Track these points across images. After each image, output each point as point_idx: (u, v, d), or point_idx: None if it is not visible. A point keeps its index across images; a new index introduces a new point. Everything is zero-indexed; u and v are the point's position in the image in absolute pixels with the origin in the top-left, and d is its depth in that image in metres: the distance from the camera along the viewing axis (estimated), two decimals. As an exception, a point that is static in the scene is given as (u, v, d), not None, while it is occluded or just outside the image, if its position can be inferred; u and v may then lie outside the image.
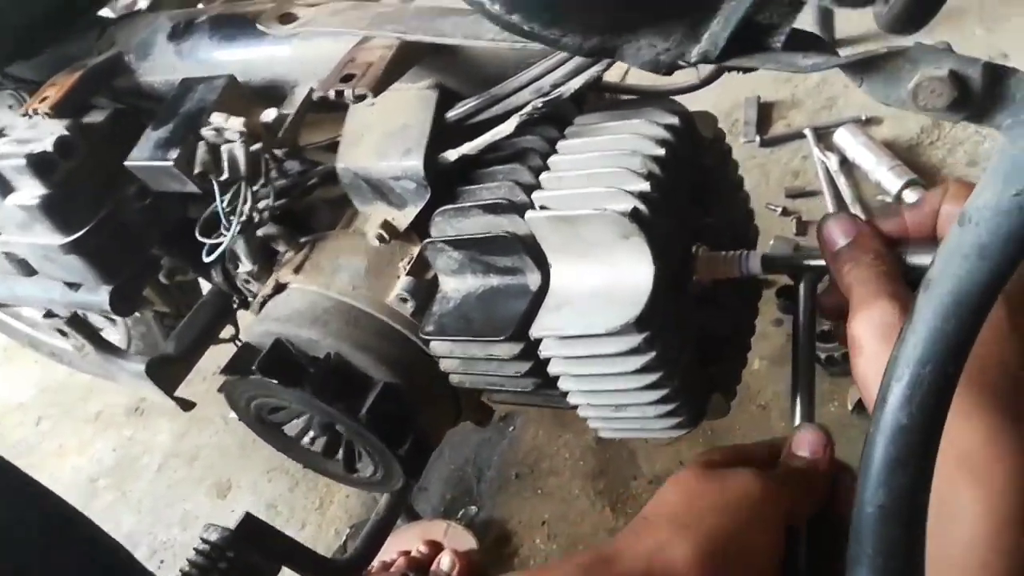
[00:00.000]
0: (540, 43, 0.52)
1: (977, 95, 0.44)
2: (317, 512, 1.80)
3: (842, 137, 1.94)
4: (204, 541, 0.96)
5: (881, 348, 0.56)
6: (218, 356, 1.48)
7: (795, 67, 0.48)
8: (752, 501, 0.61)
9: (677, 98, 0.89)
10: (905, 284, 0.61)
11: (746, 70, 0.75)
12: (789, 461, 0.66)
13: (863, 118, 2.00)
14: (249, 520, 0.98)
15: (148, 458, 2.08)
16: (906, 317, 0.48)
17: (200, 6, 1.14)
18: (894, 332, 0.54)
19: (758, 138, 2.09)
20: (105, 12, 1.19)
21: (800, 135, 2.05)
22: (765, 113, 2.16)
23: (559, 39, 0.51)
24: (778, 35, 0.49)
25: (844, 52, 0.49)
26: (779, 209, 1.92)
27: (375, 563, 1.36)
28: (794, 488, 0.64)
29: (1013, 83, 0.43)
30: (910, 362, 0.46)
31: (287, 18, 0.88)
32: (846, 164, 1.93)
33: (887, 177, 1.81)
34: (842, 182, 1.89)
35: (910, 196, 1.75)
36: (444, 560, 1.43)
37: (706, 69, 0.91)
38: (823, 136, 2.02)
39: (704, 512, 0.61)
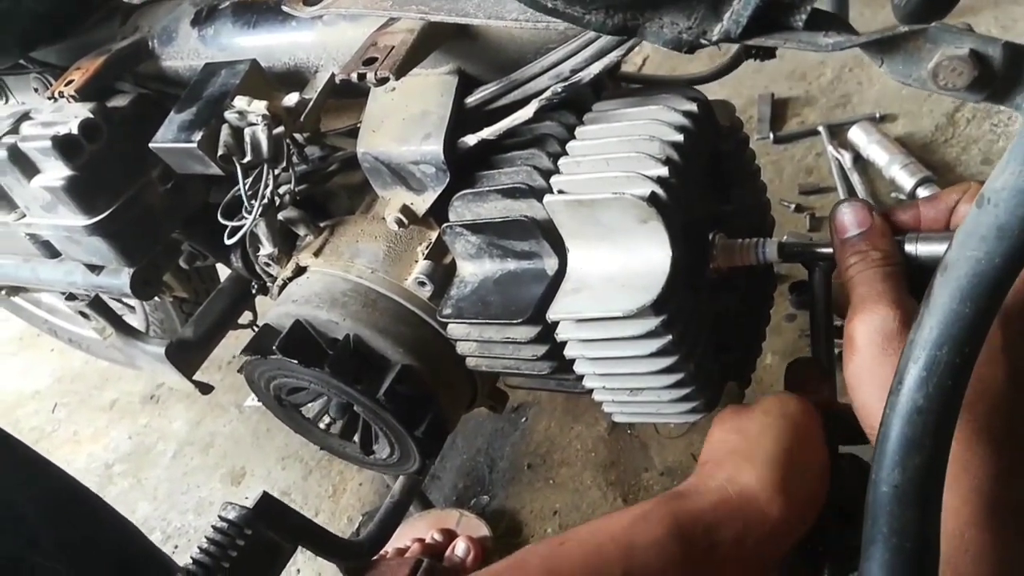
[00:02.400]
0: (563, 20, 0.52)
1: (998, 74, 0.44)
2: (330, 500, 1.81)
3: (856, 134, 1.94)
4: (222, 519, 0.97)
5: (876, 354, 0.57)
6: (233, 346, 1.50)
7: (816, 46, 0.48)
8: (795, 413, 0.66)
9: (694, 88, 0.90)
10: (909, 294, 0.61)
11: (765, 53, 0.76)
12: (843, 251, 0.65)
13: (877, 115, 2.00)
14: (266, 499, 0.99)
15: (163, 445, 2.10)
16: (908, 327, 0.49)
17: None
18: (892, 341, 0.56)
19: (772, 135, 2.09)
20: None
21: (814, 132, 2.05)
22: (779, 110, 2.17)
23: (582, 16, 0.52)
24: (799, 14, 0.49)
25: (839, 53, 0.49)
26: (793, 205, 1.92)
27: (389, 550, 1.37)
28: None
29: None
30: (927, 344, 0.46)
31: (311, 0, 0.89)
32: (860, 161, 1.93)
33: (901, 174, 1.81)
34: (856, 179, 1.90)
35: (924, 193, 1.75)
36: (459, 547, 1.44)
37: (724, 58, 0.91)
38: (837, 133, 2.02)
39: (757, 439, 0.65)
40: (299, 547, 1.01)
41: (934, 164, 1.87)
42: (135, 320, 1.75)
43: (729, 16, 0.50)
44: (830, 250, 0.72)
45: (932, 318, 0.46)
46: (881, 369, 0.56)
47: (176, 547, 1.85)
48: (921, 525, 0.48)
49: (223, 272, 1.41)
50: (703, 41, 0.51)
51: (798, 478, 0.63)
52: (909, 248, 0.64)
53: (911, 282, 0.62)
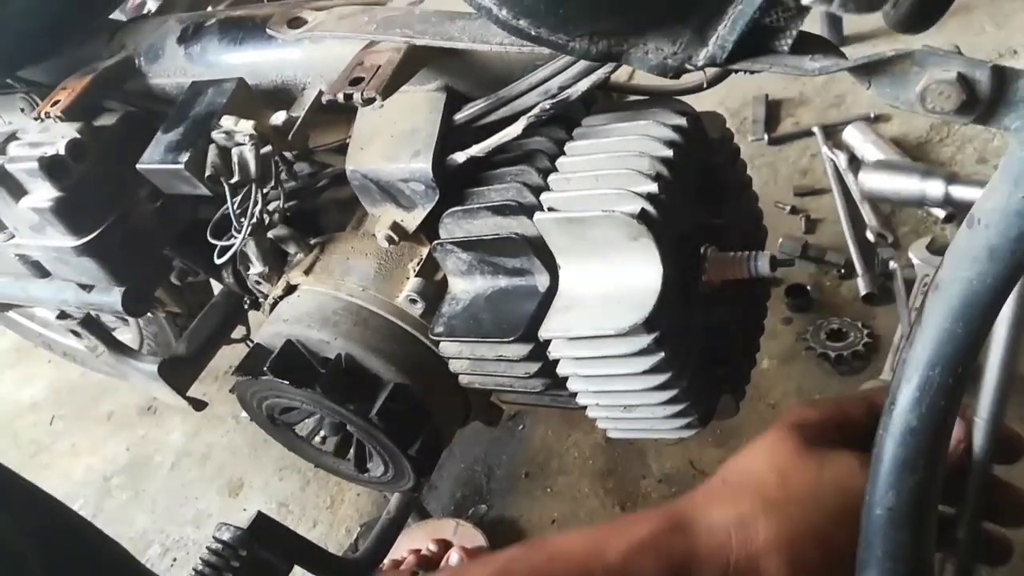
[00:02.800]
0: (548, 47, 0.52)
1: (985, 97, 0.44)
2: (328, 511, 1.81)
3: (851, 135, 1.93)
4: (217, 540, 0.97)
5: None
6: (230, 356, 1.49)
7: (802, 70, 0.48)
8: (850, 495, 0.54)
9: (685, 97, 0.89)
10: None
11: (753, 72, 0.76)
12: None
13: (872, 116, 1.99)
14: (261, 519, 0.98)
15: (161, 457, 2.09)
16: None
17: (209, 9, 1.15)
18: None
19: (766, 136, 2.08)
20: (115, 15, 1.20)
21: (809, 133, 2.05)
22: (773, 111, 2.16)
23: (566, 44, 0.51)
24: (785, 38, 0.49)
25: (852, 55, 0.49)
26: (788, 207, 1.91)
27: (385, 562, 1.37)
28: None
29: (1022, 85, 0.43)
30: (919, 365, 0.46)
31: (296, 22, 0.89)
32: (855, 162, 1.92)
33: (896, 174, 1.80)
34: (851, 180, 1.89)
35: (920, 193, 1.75)
36: (453, 558, 1.43)
37: (713, 69, 0.91)
38: (832, 134, 2.01)
39: (797, 496, 0.55)
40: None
41: (929, 163, 1.87)
42: (128, 334, 1.74)
43: (715, 41, 0.49)
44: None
45: (924, 338, 0.46)
46: None
47: (175, 560, 1.85)
48: (915, 548, 0.48)
49: (216, 285, 1.41)
50: (688, 66, 0.51)
51: (820, 564, 0.54)
52: None
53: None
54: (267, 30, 0.88)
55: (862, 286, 1.65)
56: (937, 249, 1.59)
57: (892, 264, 1.65)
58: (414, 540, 1.52)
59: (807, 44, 0.48)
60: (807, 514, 0.54)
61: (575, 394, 0.83)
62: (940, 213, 1.69)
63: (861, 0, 0.40)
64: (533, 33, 0.50)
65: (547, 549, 0.56)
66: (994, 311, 0.45)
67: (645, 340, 0.73)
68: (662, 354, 0.75)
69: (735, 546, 0.54)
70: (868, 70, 0.47)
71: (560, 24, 0.50)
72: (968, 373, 0.46)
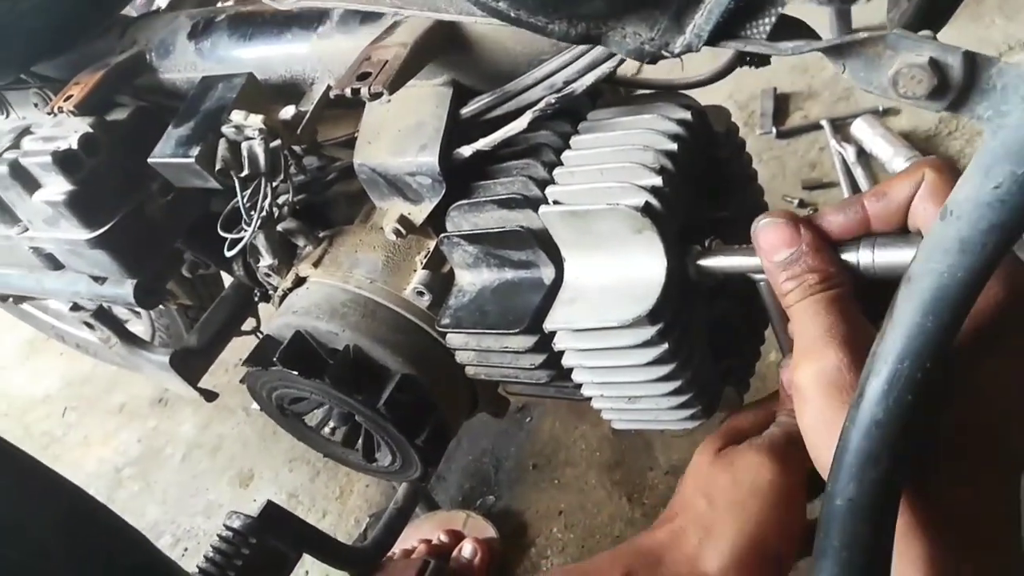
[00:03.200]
0: (527, 29, 0.52)
1: (957, 84, 0.43)
2: (337, 501, 1.82)
3: (859, 128, 1.93)
4: (227, 528, 0.98)
5: (829, 405, 0.51)
6: (240, 348, 1.50)
7: (776, 50, 0.48)
8: (765, 487, 0.61)
9: (694, 91, 0.90)
10: (860, 314, 0.55)
11: (761, 62, 0.76)
12: (787, 405, 0.62)
13: (880, 109, 1.99)
14: (271, 507, 1.00)
15: (172, 449, 2.12)
16: (861, 367, 0.47)
17: (219, 4, 1.16)
18: (844, 391, 0.51)
19: (774, 130, 2.09)
20: (126, 11, 1.21)
21: (817, 126, 2.05)
22: (782, 104, 2.16)
23: (545, 25, 0.51)
24: (763, 24, 0.49)
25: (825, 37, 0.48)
26: (796, 201, 1.92)
27: (396, 551, 1.38)
28: (802, 448, 0.57)
29: (995, 73, 0.42)
30: (889, 358, 0.45)
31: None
32: (863, 155, 1.92)
33: (904, 168, 1.80)
34: (859, 173, 1.89)
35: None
36: (466, 548, 1.45)
37: (719, 62, 0.91)
38: (840, 127, 2.01)
39: (724, 513, 0.61)
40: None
41: (938, 157, 1.86)
42: (140, 326, 1.76)
43: (691, 29, 0.50)
44: (755, 260, 0.64)
45: (895, 331, 0.45)
46: (837, 421, 0.49)
47: (186, 550, 1.87)
48: (873, 539, 0.48)
49: (227, 278, 1.42)
50: (665, 53, 0.51)
51: (767, 552, 0.60)
52: (860, 259, 0.56)
53: (866, 292, 0.56)
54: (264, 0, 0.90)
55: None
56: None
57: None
58: (424, 531, 1.54)
59: (784, 27, 0.48)
60: (738, 526, 0.60)
61: (580, 385, 0.84)
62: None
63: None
64: (512, 15, 0.51)
65: None
66: (966, 305, 0.44)
67: (649, 332, 0.74)
68: (666, 345, 0.75)
69: None
70: (841, 52, 0.46)
71: (539, 6, 0.50)
72: (937, 367, 0.45)
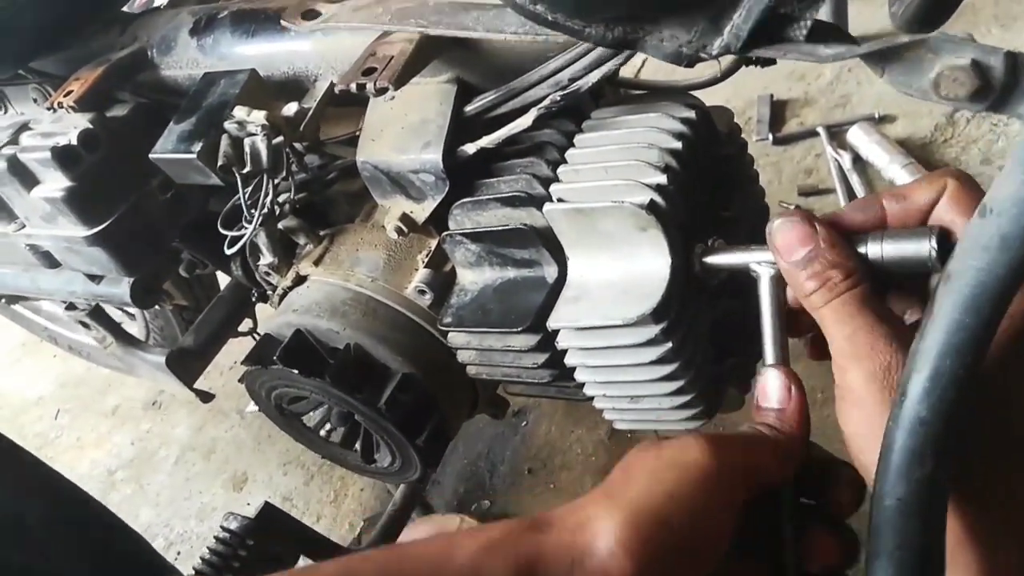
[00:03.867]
0: (563, 33, 0.53)
1: (999, 84, 0.44)
2: (332, 505, 1.81)
3: (855, 135, 1.94)
4: (225, 529, 0.98)
5: (882, 399, 0.51)
6: (235, 351, 1.49)
7: (817, 57, 0.48)
8: (689, 465, 0.52)
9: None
10: (890, 309, 0.55)
11: (766, 62, 0.76)
12: (756, 417, 0.59)
13: (876, 116, 1.99)
14: (268, 509, 0.99)
15: (165, 451, 2.10)
16: (904, 353, 0.47)
17: (221, 1, 1.16)
18: (893, 376, 0.51)
19: (771, 136, 2.09)
20: (127, 8, 1.20)
21: (813, 133, 2.05)
22: (778, 111, 2.17)
23: (582, 29, 0.52)
24: (800, 27, 0.49)
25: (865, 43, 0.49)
26: (792, 207, 1.92)
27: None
28: (757, 453, 0.54)
29: None
30: (931, 355, 0.45)
31: (310, 14, 0.89)
32: (859, 162, 1.93)
33: (900, 175, 1.81)
34: (855, 180, 1.89)
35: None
36: (458, 553, 1.44)
37: (723, 64, 0.91)
38: (836, 134, 2.02)
39: (635, 482, 0.53)
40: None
41: (934, 164, 1.87)
42: (135, 327, 1.75)
43: (729, 30, 0.50)
44: (766, 255, 0.64)
45: (935, 329, 0.45)
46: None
47: (179, 553, 1.85)
48: (925, 537, 0.48)
49: (223, 279, 1.42)
50: (703, 55, 0.51)
51: (662, 545, 0.50)
52: (869, 251, 0.56)
53: (877, 282, 0.56)
54: (281, 22, 0.89)
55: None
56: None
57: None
58: (418, 535, 1.53)
59: (821, 32, 0.49)
60: (644, 492, 0.52)
61: (582, 385, 0.83)
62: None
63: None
64: (550, 19, 0.51)
65: (399, 551, 0.53)
66: (1005, 301, 0.44)
67: (653, 330, 0.74)
68: (669, 344, 0.75)
69: (580, 543, 0.50)
70: (882, 57, 0.47)
71: (576, 10, 0.50)
72: (979, 363, 0.45)
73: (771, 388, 0.59)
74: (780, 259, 0.58)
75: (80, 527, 0.86)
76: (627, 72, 1.03)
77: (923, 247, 0.52)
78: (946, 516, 0.48)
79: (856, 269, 0.55)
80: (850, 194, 1.89)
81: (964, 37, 0.46)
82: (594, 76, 0.76)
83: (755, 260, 0.66)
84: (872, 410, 0.51)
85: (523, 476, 1.67)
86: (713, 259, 0.73)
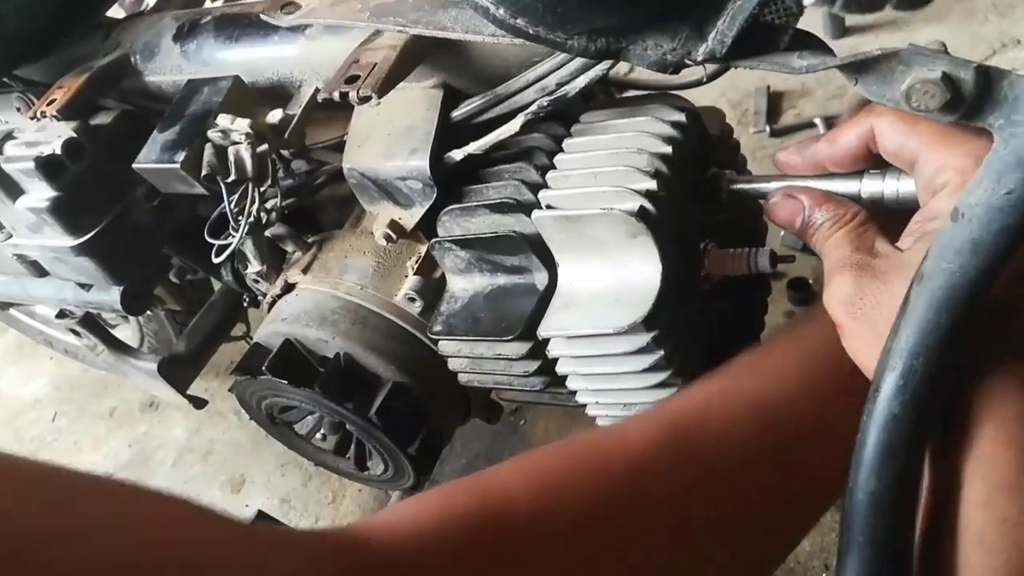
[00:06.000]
0: (546, 45, 0.51)
1: (969, 96, 0.45)
2: (330, 506, 1.81)
3: (853, 126, 1.92)
4: (217, 540, 0.97)
5: (854, 324, 0.54)
6: (232, 352, 1.48)
7: (790, 68, 0.48)
8: None
9: (687, 91, 0.88)
10: (876, 234, 0.57)
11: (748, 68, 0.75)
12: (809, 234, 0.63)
13: (874, 106, 1.98)
14: (262, 518, 0.98)
15: (163, 453, 2.10)
16: (874, 285, 0.51)
17: (207, 4, 1.14)
18: (855, 306, 0.54)
19: (768, 128, 2.07)
20: (114, 10, 1.19)
21: (811, 124, 2.04)
22: (775, 103, 2.15)
23: (564, 42, 0.51)
24: (783, 34, 0.48)
25: (854, 46, 0.48)
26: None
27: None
28: None
29: (1005, 85, 0.44)
30: (903, 353, 0.47)
31: (289, 7, 0.88)
32: (857, 153, 1.91)
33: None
34: (853, 171, 1.88)
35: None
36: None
37: (712, 65, 0.90)
38: (833, 125, 2.00)
39: None
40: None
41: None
42: (129, 331, 1.74)
43: (714, 36, 0.49)
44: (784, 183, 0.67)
45: (908, 328, 0.47)
46: (863, 331, 0.53)
47: (178, 556, 1.85)
48: (896, 533, 0.49)
49: (216, 283, 1.41)
50: (688, 62, 0.50)
51: None
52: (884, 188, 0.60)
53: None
54: (261, 15, 0.87)
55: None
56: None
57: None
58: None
59: (798, 41, 0.48)
60: None
61: (574, 392, 0.83)
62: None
63: (864, 0, 0.39)
64: (531, 32, 0.50)
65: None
66: (977, 302, 0.46)
67: (644, 338, 0.73)
68: (661, 352, 0.74)
69: None
70: (855, 68, 0.48)
71: (558, 22, 0.49)
72: (951, 362, 0.47)
73: (787, 209, 0.64)
74: (787, 228, 0.64)
75: None
76: (620, 71, 1.01)
77: (854, 186, 0.60)
78: (916, 511, 0.49)
79: (841, 213, 0.60)
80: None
81: (936, 49, 0.46)
82: (581, 81, 0.75)
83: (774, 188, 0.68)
84: (851, 333, 0.54)
85: (521, 475, 1.66)
86: (740, 186, 0.75)
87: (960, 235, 0.44)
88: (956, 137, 0.50)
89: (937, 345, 0.46)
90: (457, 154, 0.83)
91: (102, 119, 1.04)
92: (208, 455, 2.04)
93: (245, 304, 1.28)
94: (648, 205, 0.71)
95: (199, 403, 1.31)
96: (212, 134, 0.87)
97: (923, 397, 0.47)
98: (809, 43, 0.47)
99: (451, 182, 0.84)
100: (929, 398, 0.47)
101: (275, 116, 0.88)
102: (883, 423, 0.47)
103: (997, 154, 0.43)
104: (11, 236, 1.10)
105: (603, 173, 0.75)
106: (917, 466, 0.48)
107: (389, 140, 0.85)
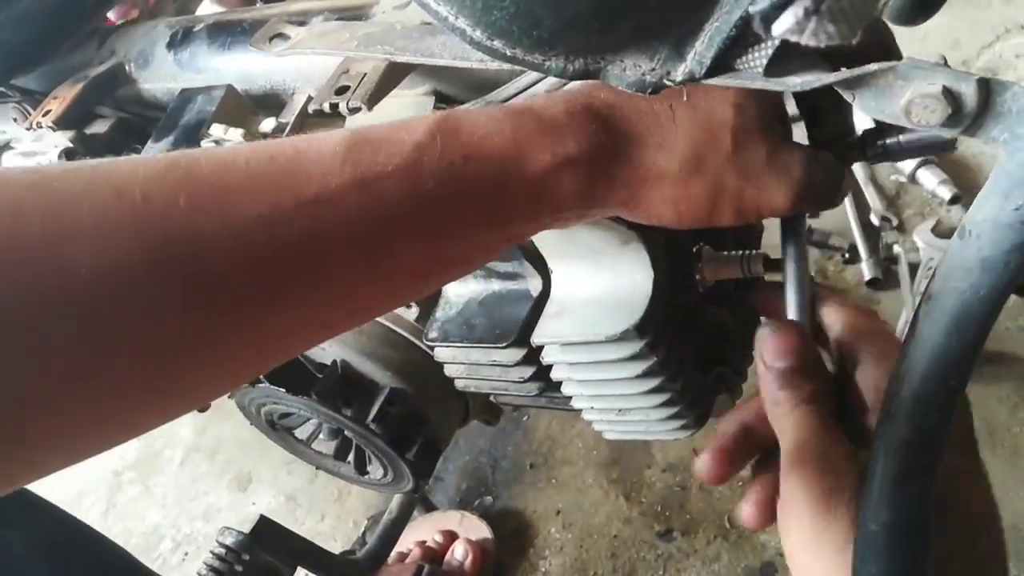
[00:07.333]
0: (524, 67, 0.51)
1: (971, 110, 0.42)
2: (336, 503, 1.82)
3: (855, 115, 1.91)
4: (220, 544, 0.98)
5: (816, 523, 0.51)
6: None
7: (784, 85, 0.47)
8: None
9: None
10: (841, 431, 0.54)
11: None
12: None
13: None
14: (263, 523, 0.99)
15: (171, 452, 2.11)
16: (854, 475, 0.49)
17: (198, 12, 1.14)
18: (830, 511, 0.50)
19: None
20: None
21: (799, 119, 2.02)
22: (776, 92, 2.13)
23: (542, 63, 0.50)
24: (764, 50, 0.47)
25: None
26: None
27: (392, 553, 1.38)
28: None
29: (1010, 97, 0.42)
30: (913, 377, 0.45)
31: (278, 38, 0.88)
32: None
33: (923, 173, 1.77)
34: (855, 164, 1.86)
35: (924, 175, 1.72)
36: (457, 550, 1.44)
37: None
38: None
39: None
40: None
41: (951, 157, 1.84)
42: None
43: (692, 56, 0.48)
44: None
45: (917, 351, 0.45)
46: (822, 542, 0.50)
47: (186, 554, 1.87)
48: (911, 562, 0.47)
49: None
50: (667, 82, 0.49)
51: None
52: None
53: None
54: (250, 46, 0.88)
55: (866, 271, 1.64)
56: (942, 232, 1.57)
57: (896, 248, 1.63)
58: (420, 532, 1.53)
59: (788, 56, 0.47)
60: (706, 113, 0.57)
61: (570, 397, 0.83)
62: (946, 195, 1.67)
63: (837, 29, 0.38)
64: (508, 54, 0.49)
65: (464, 142, 0.50)
66: (988, 322, 0.44)
67: (637, 345, 0.73)
68: (654, 358, 0.74)
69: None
70: (852, 84, 0.46)
71: (535, 44, 0.49)
72: (962, 384, 0.45)
73: (775, 346, 0.60)
74: (762, 361, 0.60)
75: (64, 548, 0.87)
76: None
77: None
78: (930, 538, 0.47)
79: (824, 391, 0.56)
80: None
81: (935, 63, 0.45)
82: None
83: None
84: (810, 525, 0.51)
85: (525, 471, 1.67)
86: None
87: (968, 253, 0.43)
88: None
89: (948, 367, 0.44)
90: (449, 162, 0.83)
91: (98, 128, 1.04)
92: (215, 453, 2.06)
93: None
94: (639, 213, 0.71)
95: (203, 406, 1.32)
96: (206, 144, 0.88)
97: (934, 421, 0.45)
98: (802, 57, 0.46)
99: (444, 189, 0.84)
100: (941, 422, 0.45)
101: (268, 125, 0.88)
102: (893, 450, 0.46)
103: (1003, 169, 0.41)
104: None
105: (594, 180, 0.75)
106: (930, 492, 0.46)
107: (381, 148, 0.85)
